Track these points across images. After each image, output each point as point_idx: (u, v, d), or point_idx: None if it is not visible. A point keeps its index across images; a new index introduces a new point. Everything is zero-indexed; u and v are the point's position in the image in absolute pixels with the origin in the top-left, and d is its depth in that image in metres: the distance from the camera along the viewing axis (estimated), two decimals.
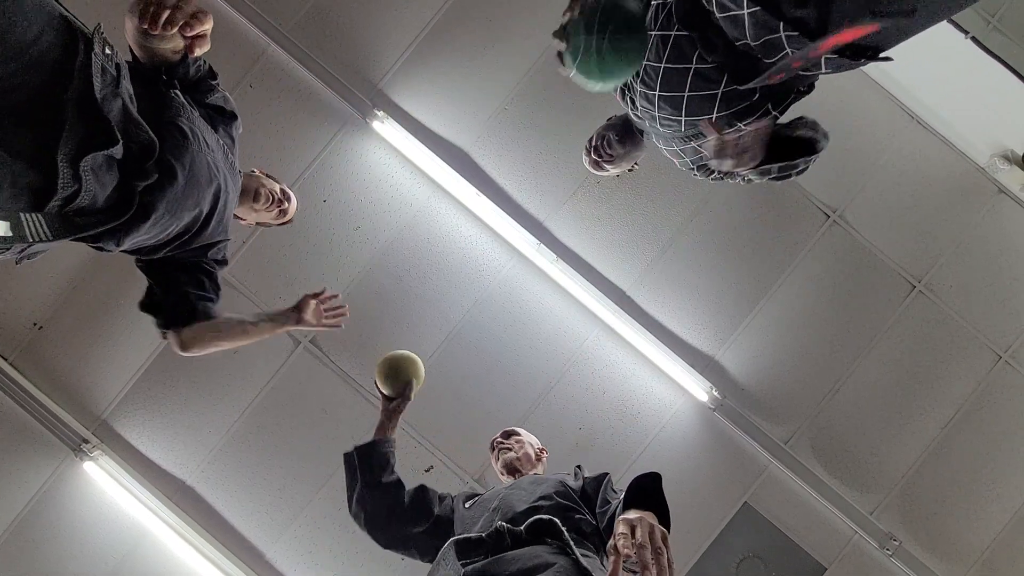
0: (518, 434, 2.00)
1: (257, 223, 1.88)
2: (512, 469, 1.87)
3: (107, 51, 1.13)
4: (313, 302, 1.77)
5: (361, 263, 2.88)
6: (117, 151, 1.12)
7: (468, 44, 2.91)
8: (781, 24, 1.06)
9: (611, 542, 0.98)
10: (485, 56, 2.90)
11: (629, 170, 1.96)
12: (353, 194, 2.89)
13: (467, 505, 1.70)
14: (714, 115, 1.36)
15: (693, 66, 1.29)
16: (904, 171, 2.93)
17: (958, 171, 2.94)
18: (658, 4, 1.33)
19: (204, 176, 1.39)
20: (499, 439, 1.99)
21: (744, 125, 1.26)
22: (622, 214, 2.90)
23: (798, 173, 1.37)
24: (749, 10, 1.08)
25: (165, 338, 1.57)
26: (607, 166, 1.91)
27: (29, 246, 1.15)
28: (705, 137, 1.45)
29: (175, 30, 1.05)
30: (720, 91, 1.30)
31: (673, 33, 1.28)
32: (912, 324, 2.91)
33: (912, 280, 2.92)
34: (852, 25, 0.96)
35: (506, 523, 1.37)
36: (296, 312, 1.74)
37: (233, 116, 1.59)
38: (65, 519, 2.78)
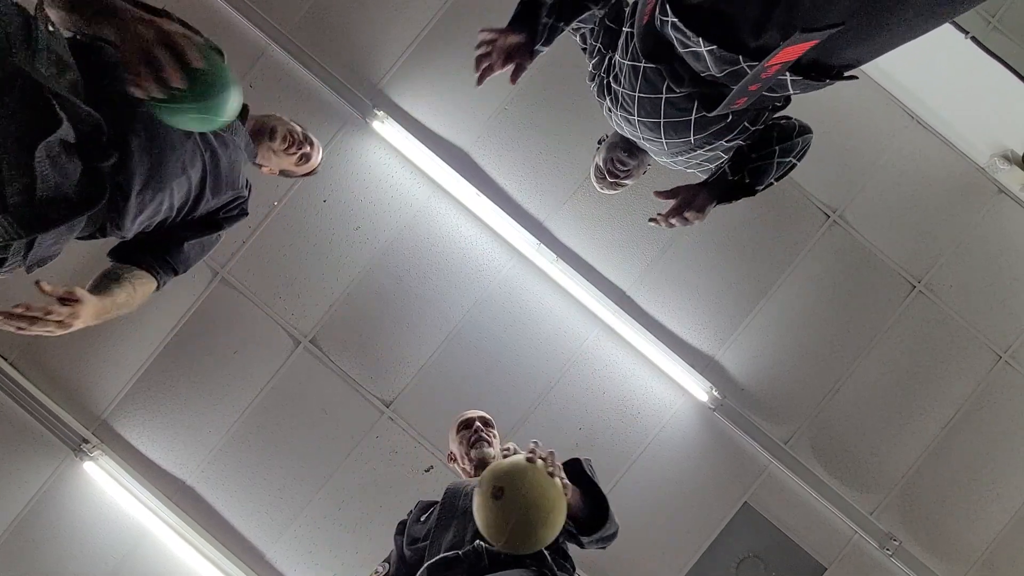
0: (493, 427, 1.87)
1: (281, 172, 1.76)
2: (483, 464, 1.72)
3: (50, 28, 1.07)
4: None
5: (361, 263, 2.88)
6: (65, 131, 1.05)
7: (468, 44, 2.88)
8: (740, 57, 1.07)
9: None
10: None
11: (643, 172, 1.99)
12: (353, 194, 2.88)
13: (423, 519, 1.57)
14: (691, 138, 1.39)
15: (664, 96, 1.31)
16: (904, 171, 2.93)
17: (958, 171, 2.94)
18: (628, 33, 1.34)
19: (174, 138, 1.29)
20: (479, 424, 1.82)
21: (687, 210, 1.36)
22: (622, 214, 2.90)
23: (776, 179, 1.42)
24: (707, 48, 1.10)
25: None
26: (625, 181, 1.91)
27: (29, 251, 1.12)
28: (693, 150, 1.47)
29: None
30: (692, 117, 1.32)
31: (642, 65, 1.30)
32: (912, 324, 2.91)
33: (912, 280, 2.92)
34: (788, 44, 0.98)
35: (483, 542, 1.31)
36: None
37: None
38: (65, 519, 2.78)
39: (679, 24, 1.10)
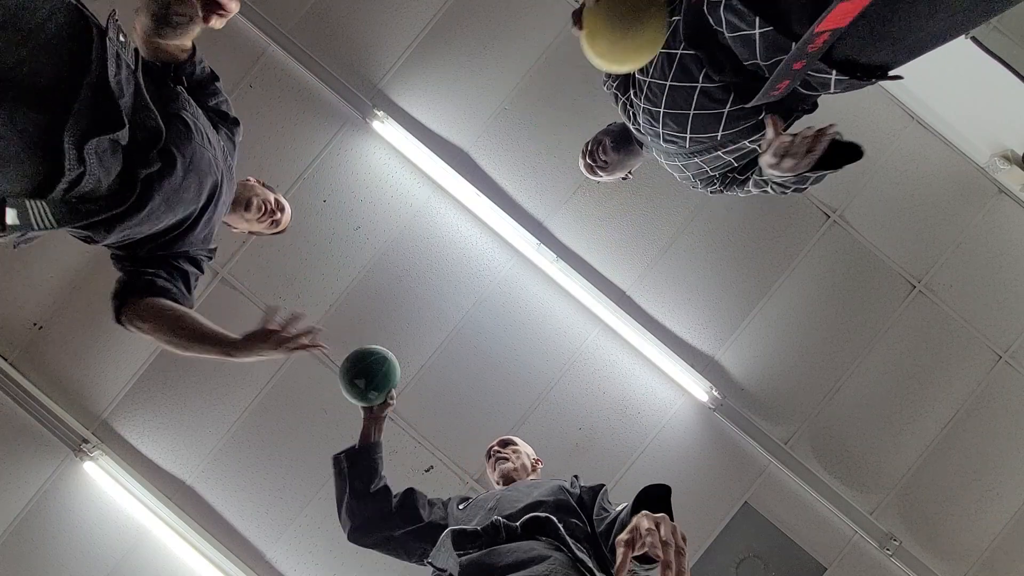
0: (515, 444, 2.00)
1: (249, 232, 1.86)
2: (509, 480, 1.87)
3: (121, 38, 1.14)
4: (275, 331, 1.36)
5: (361, 263, 2.88)
6: (123, 135, 1.12)
7: (468, 44, 2.90)
8: (793, 44, 1.04)
9: (624, 535, 0.95)
10: (485, 56, 2.90)
11: (623, 179, 1.95)
12: (353, 194, 2.88)
13: (461, 507, 1.69)
14: (719, 134, 1.35)
15: (700, 84, 1.27)
16: (904, 171, 2.93)
17: (958, 171, 2.94)
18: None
19: (204, 171, 1.38)
20: (496, 448, 1.99)
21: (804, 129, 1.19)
22: (622, 214, 2.90)
23: (813, 183, 1.34)
24: (761, 30, 1.07)
25: (120, 320, 1.39)
26: (600, 173, 1.89)
27: (29, 231, 1.15)
28: (712, 152, 1.44)
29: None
30: (726, 110, 1.29)
31: (679, 52, 1.26)
32: (912, 324, 2.91)
33: (912, 280, 2.92)
34: (833, 6, 0.92)
35: (502, 518, 1.37)
36: (254, 340, 1.35)
37: (236, 122, 1.58)
38: (65, 519, 2.78)
39: (736, 4, 1.07)
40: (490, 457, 1.99)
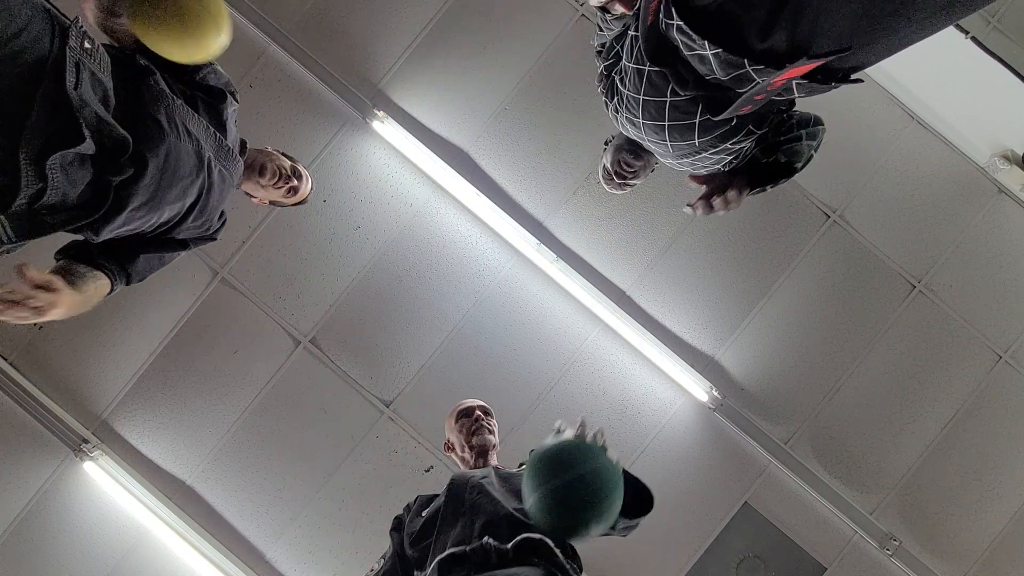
0: (492, 416, 1.84)
1: (270, 202, 1.82)
2: (484, 452, 1.71)
3: (85, 45, 1.10)
4: None
5: (361, 263, 2.88)
6: (87, 147, 1.10)
7: (468, 44, 2.90)
8: (745, 60, 1.06)
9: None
10: (485, 56, 2.90)
11: (652, 171, 2.00)
12: (353, 194, 2.89)
13: (423, 513, 1.53)
14: (696, 141, 1.38)
15: (668, 99, 1.31)
16: (904, 171, 2.93)
17: (958, 171, 2.94)
18: (632, 36, 1.34)
19: (185, 167, 1.34)
20: (480, 414, 1.79)
21: (719, 188, 1.32)
22: (622, 214, 2.90)
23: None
24: (712, 51, 1.09)
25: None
26: (633, 181, 1.94)
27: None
28: (699, 153, 1.47)
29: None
30: (697, 121, 1.32)
31: (647, 68, 1.29)
32: (912, 324, 2.91)
33: (912, 280, 2.92)
34: (795, 66, 0.99)
35: (492, 539, 1.29)
36: None
37: (222, 95, 1.51)
38: (65, 519, 2.78)
39: (684, 27, 1.09)
40: (467, 416, 1.78)
